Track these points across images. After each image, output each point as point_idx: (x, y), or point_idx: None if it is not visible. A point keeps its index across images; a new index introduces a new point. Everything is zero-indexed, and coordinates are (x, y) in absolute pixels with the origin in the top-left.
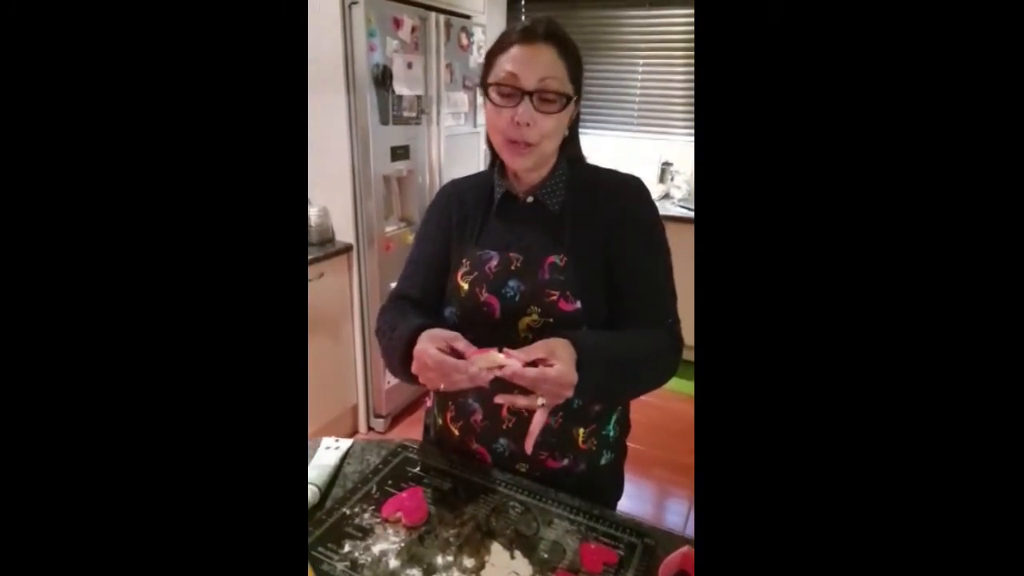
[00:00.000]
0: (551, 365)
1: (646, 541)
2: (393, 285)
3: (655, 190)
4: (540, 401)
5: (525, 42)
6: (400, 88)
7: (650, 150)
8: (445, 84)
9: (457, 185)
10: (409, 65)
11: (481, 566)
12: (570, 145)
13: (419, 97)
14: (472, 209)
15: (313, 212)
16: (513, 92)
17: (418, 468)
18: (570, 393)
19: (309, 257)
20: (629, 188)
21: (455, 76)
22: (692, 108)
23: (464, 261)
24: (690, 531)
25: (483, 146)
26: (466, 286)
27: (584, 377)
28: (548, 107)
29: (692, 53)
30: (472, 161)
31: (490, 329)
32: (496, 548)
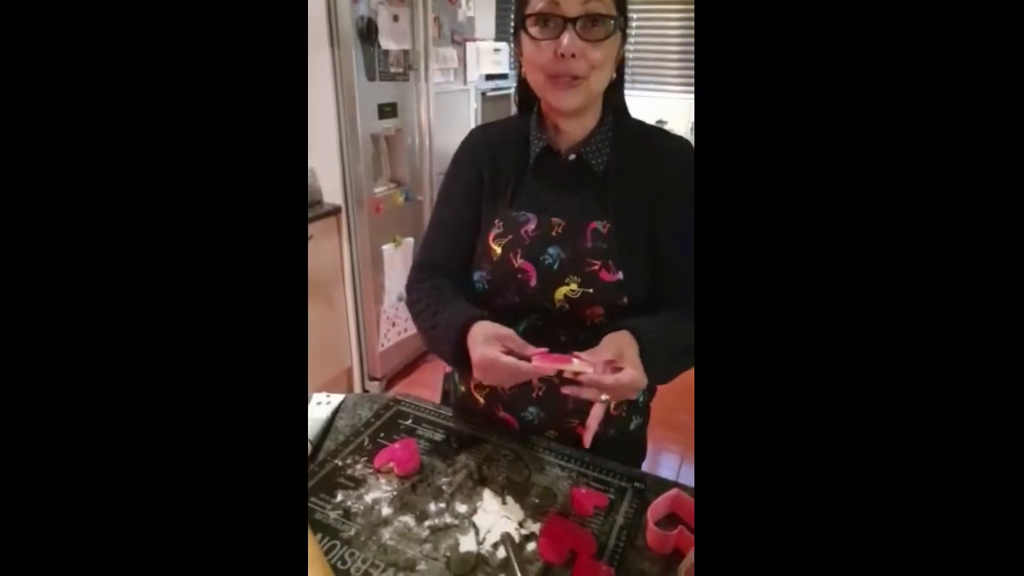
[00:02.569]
0: (619, 366)
1: (636, 485)
2: (385, 248)
3: None
4: (604, 397)
5: None
6: (386, 42)
7: (644, 107)
8: (433, 39)
9: (487, 133)
10: (395, 18)
11: (473, 512)
12: (615, 93)
13: (406, 52)
14: (505, 163)
15: None
16: (554, 21)
17: (410, 420)
18: (635, 394)
19: None
20: (678, 154)
21: (443, 30)
22: (687, 64)
23: (497, 222)
24: (681, 480)
25: (513, 108)
26: (499, 250)
27: (646, 372)
28: (595, 32)
29: (688, 6)
30: (463, 119)
31: (524, 297)
32: (488, 494)
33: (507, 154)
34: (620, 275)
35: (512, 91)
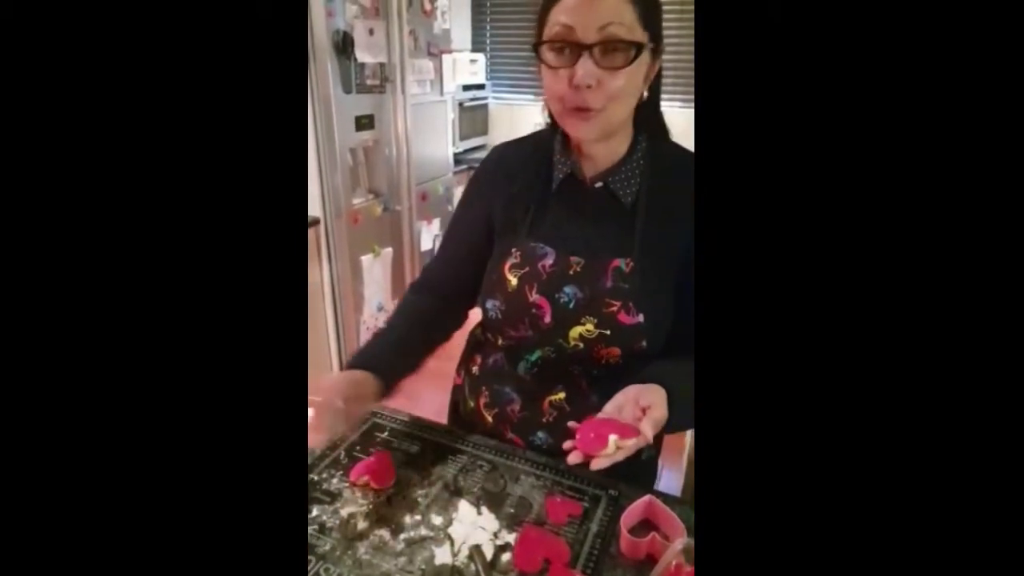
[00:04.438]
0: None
1: (610, 492)
2: (364, 259)
3: None
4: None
5: None
6: (362, 55)
7: None
8: (409, 51)
9: (506, 155)
10: (371, 31)
11: (448, 523)
12: (650, 115)
13: (382, 65)
14: (525, 187)
15: None
16: (570, 48)
17: (386, 433)
18: None
19: None
20: None
21: (419, 43)
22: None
23: (514, 251)
24: (660, 488)
25: (540, 118)
26: (514, 281)
27: (673, 423)
28: (613, 59)
29: (670, 17)
30: (440, 130)
31: (538, 332)
32: (463, 505)
33: (529, 177)
34: (641, 317)
35: (489, 100)
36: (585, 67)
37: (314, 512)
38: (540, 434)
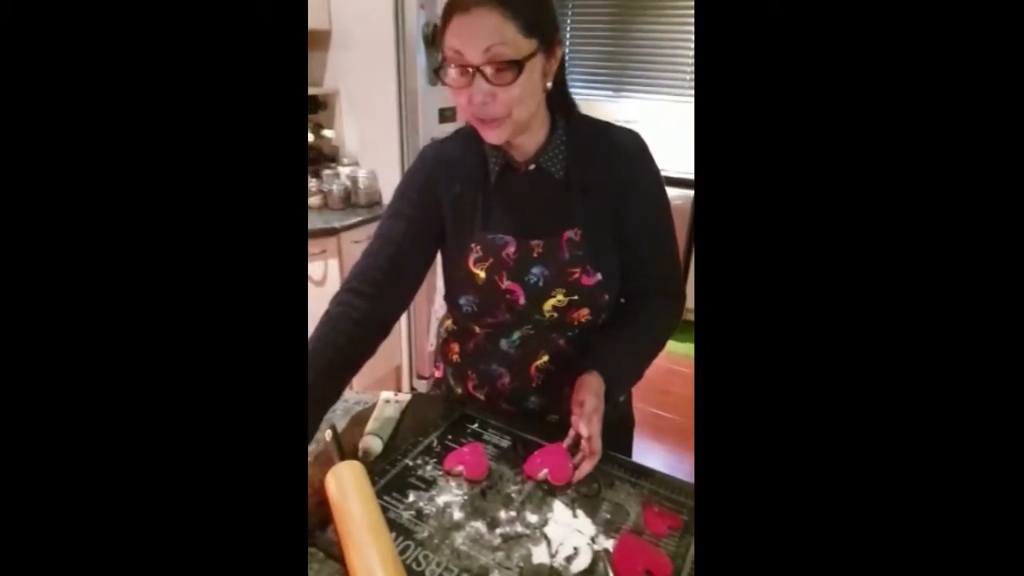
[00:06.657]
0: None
1: None
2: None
3: None
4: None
5: (462, 10)
6: None
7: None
8: None
9: (440, 155)
10: None
11: (544, 523)
12: (560, 96)
13: None
14: (465, 185)
15: (361, 174)
16: (464, 69)
17: (476, 425)
18: None
19: (357, 219)
20: (634, 149)
21: None
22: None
23: (473, 246)
24: None
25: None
26: (483, 274)
27: (613, 394)
28: (503, 76)
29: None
30: None
31: (514, 314)
32: (558, 506)
33: (466, 175)
34: (599, 276)
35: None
36: (479, 86)
37: (411, 497)
38: (532, 399)
